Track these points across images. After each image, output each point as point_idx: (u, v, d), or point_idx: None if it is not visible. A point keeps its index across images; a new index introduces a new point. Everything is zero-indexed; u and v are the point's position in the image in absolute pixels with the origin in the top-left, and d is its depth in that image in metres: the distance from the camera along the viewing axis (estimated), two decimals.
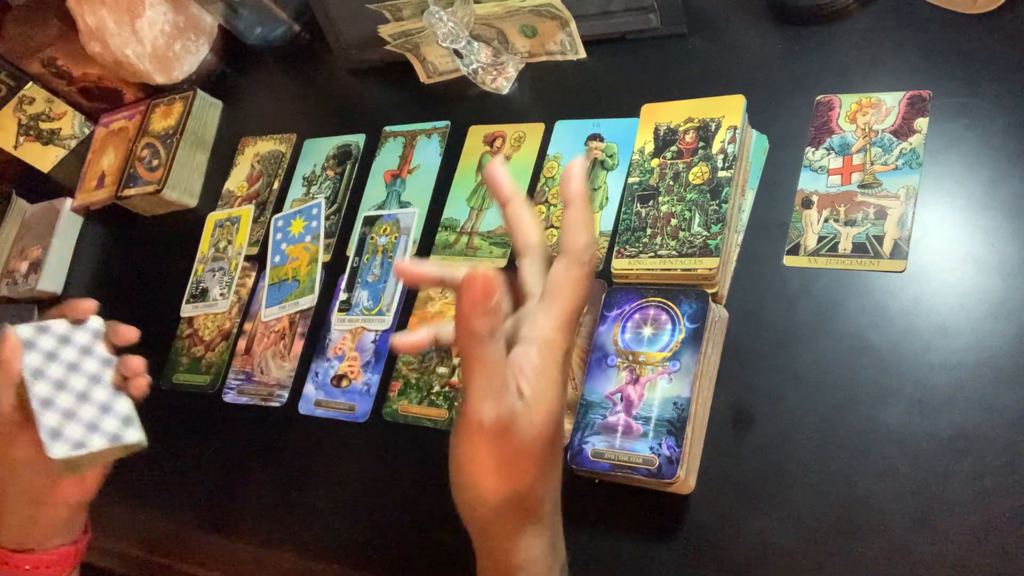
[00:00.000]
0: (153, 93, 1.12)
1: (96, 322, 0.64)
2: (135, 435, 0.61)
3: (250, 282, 0.93)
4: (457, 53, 0.84)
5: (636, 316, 0.64)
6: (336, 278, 0.86)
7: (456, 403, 0.73)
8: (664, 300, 0.64)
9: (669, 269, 0.65)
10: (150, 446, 0.92)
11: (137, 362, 0.65)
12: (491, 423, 0.40)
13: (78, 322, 0.63)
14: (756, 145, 0.69)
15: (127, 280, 1.06)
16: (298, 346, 0.85)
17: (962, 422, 0.55)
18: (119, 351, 0.65)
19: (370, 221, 0.87)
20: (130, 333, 0.66)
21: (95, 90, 1.16)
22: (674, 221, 0.67)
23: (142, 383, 0.65)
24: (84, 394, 0.60)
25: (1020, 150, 0.61)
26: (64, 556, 0.66)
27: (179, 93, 1.08)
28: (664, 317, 0.63)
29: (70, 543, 0.66)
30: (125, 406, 0.62)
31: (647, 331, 0.63)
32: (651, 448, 0.59)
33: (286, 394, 0.83)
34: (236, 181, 1.02)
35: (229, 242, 0.97)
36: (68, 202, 1.13)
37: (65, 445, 0.58)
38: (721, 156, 0.67)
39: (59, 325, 0.62)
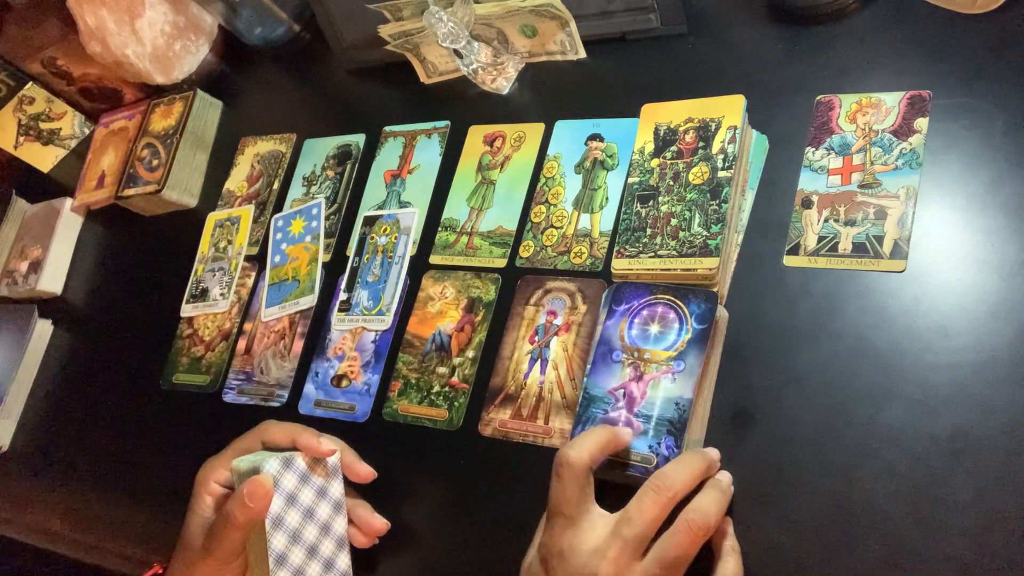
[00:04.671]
0: (153, 93, 1.12)
1: (334, 459, 0.62)
2: None
3: (250, 282, 0.93)
4: (457, 53, 0.84)
5: (644, 312, 0.64)
6: (336, 278, 0.86)
7: (455, 403, 0.73)
8: (673, 298, 0.63)
9: (669, 269, 0.65)
10: (150, 447, 0.92)
11: (380, 527, 0.65)
12: None
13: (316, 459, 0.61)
14: (756, 145, 0.69)
15: (127, 280, 1.06)
16: (298, 346, 0.85)
17: (962, 422, 0.55)
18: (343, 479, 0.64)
19: (370, 221, 0.87)
20: (366, 472, 0.66)
21: (95, 90, 1.16)
22: (674, 221, 0.67)
23: (373, 541, 0.66)
24: (313, 548, 0.59)
25: (1020, 150, 0.61)
26: None
27: (179, 93, 1.08)
28: (672, 315, 0.63)
29: None
30: (344, 562, 0.61)
31: (654, 328, 0.63)
32: (650, 447, 0.59)
33: (286, 394, 0.83)
34: (236, 181, 1.02)
35: (229, 242, 0.97)
36: (68, 202, 1.13)
37: None
38: (721, 156, 0.67)
39: (301, 462, 0.60)
